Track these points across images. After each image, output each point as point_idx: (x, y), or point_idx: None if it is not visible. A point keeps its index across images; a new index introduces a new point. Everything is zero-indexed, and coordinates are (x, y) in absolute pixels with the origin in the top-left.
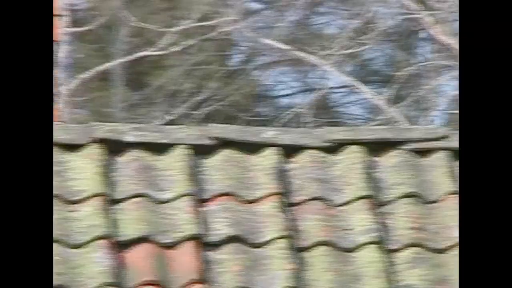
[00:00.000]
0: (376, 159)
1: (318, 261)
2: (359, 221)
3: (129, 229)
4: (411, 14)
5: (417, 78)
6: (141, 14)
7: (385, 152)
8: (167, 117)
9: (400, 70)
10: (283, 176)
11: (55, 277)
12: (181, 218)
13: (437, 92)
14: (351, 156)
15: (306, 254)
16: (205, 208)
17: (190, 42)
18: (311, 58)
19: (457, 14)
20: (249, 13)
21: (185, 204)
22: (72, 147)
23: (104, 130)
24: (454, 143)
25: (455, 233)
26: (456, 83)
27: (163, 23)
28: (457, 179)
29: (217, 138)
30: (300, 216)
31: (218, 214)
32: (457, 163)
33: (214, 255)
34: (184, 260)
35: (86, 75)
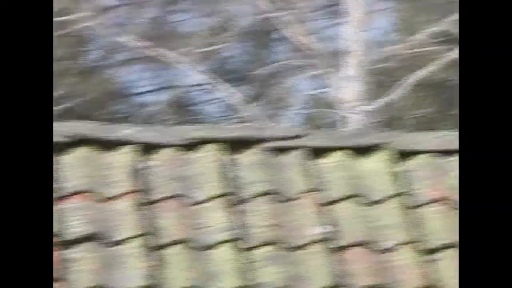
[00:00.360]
0: (234, 157)
1: (176, 259)
2: (216, 219)
3: None
4: (267, 13)
5: (273, 77)
6: None
7: (242, 150)
8: None
9: (257, 69)
10: (141, 174)
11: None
12: None
13: (294, 91)
14: (209, 154)
15: (163, 252)
16: (61, 206)
17: None
18: (169, 56)
19: (312, 14)
20: (106, 9)
21: None
22: None
23: None
24: (310, 141)
25: (311, 230)
26: (311, 82)
27: None
28: (313, 176)
29: (73, 136)
30: (158, 214)
31: (74, 212)
32: (314, 161)
33: (70, 253)
34: None
35: None
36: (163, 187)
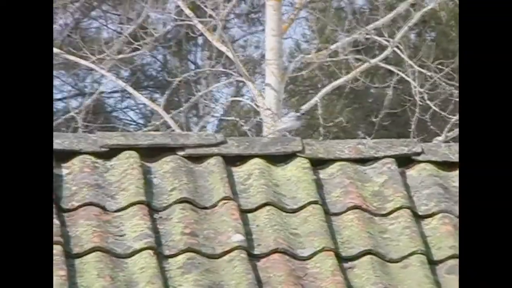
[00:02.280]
0: (151, 164)
1: (91, 267)
2: (133, 227)
3: None
4: (186, 20)
5: (192, 84)
6: None
7: (160, 158)
8: None
9: (175, 76)
10: (55, 182)
11: None
12: None
13: (212, 98)
14: (126, 162)
15: (78, 261)
16: None
17: None
18: (85, 62)
19: (231, 22)
20: None
21: None
22: None
23: None
24: (228, 149)
25: (229, 238)
26: (230, 90)
27: None
28: (231, 184)
29: None
30: (73, 222)
31: None
32: (232, 169)
33: None
34: None
35: None
36: (79, 195)
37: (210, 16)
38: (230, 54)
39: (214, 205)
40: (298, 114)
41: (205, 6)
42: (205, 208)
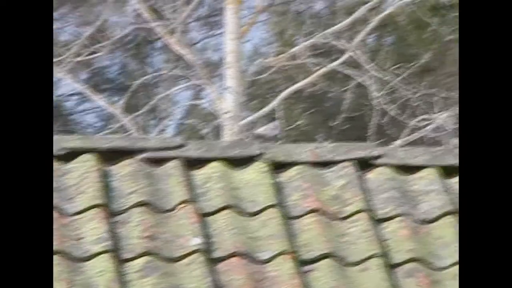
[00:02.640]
0: (110, 167)
1: None
2: (91, 230)
3: None
4: (145, 23)
5: (151, 87)
6: None
7: (119, 161)
8: None
9: (135, 79)
10: None
11: None
12: None
13: (172, 101)
14: (85, 165)
15: None
16: None
17: None
18: None
19: (191, 25)
20: None
21: None
22: None
23: None
24: (188, 152)
25: (188, 241)
26: (190, 93)
27: None
28: (191, 187)
29: None
30: None
31: None
32: (192, 172)
33: None
34: None
35: None
36: None
37: (169, 19)
38: (189, 57)
39: (173, 209)
40: (277, 123)
41: (164, 9)
42: (164, 211)
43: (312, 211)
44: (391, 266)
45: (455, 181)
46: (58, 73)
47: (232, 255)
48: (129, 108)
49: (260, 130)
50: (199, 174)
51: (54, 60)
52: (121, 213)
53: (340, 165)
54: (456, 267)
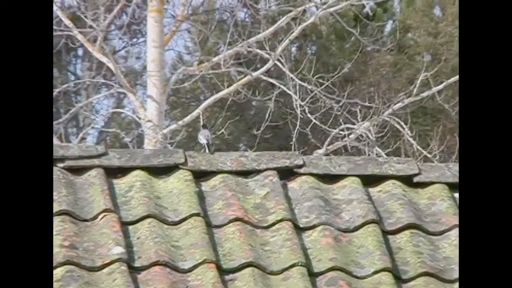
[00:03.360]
0: None
1: None
2: None
3: None
4: (65, 31)
5: (73, 95)
6: None
7: None
8: None
9: (54, 87)
10: None
11: None
12: None
13: (93, 110)
14: None
15: None
16: None
17: None
18: None
19: (113, 33)
20: None
21: None
22: None
23: None
24: (109, 161)
25: (110, 251)
26: (111, 101)
27: None
28: (112, 196)
29: None
30: None
31: None
32: (113, 180)
33: None
34: None
35: None
36: None
37: (91, 26)
38: (111, 65)
39: (94, 218)
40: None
41: (86, 16)
42: (85, 220)
43: (235, 220)
44: (313, 275)
45: (376, 190)
46: None
47: (154, 264)
48: None
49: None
50: (121, 183)
51: None
52: None
53: (264, 174)
54: (377, 276)
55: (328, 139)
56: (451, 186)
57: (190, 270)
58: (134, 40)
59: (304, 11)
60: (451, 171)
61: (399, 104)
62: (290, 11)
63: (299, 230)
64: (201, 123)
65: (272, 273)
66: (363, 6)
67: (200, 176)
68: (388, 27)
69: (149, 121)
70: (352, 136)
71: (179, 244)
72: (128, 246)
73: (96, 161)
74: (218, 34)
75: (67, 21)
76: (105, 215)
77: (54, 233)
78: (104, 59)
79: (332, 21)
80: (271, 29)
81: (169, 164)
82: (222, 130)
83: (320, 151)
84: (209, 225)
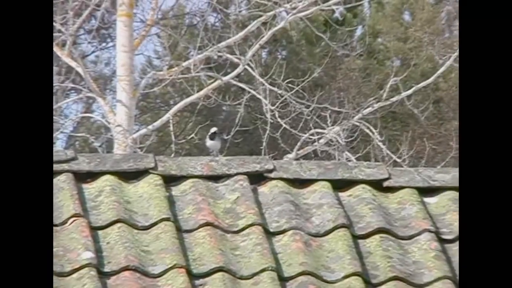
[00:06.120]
0: None
1: None
2: None
3: None
4: None
5: None
6: None
7: None
8: None
9: None
10: None
11: None
12: None
13: (62, 114)
14: None
15: None
16: None
17: None
18: None
19: (81, 37)
20: None
21: None
22: None
23: None
24: (78, 165)
25: (79, 256)
26: (80, 105)
27: None
28: (81, 201)
29: None
30: None
31: None
32: (82, 185)
33: None
34: None
35: None
36: None
37: (60, 31)
38: (80, 70)
39: (63, 222)
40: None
41: (54, 20)
42: (55, 225)
43: (206, 224)
44: (283, 280)
45: (347, 194)
46: None
47: (124, 269)
48: None
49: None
50: (91, 188)
51: None
52: None
53: (234, 178)
54: (347, 280)
55: (298, 144)
56: (421, 191)
57: (160, 275)
58: (104, 44)
59: (274, 16)
60: (421, 175)
61: (369, 109)
62: (260, 16)
63: (269, 234)
64: (212, 132)
65: (242, 277)
66: (333, 11)
67: (170, 180)
68: (358, 32)
69: (119, 125)
70: (322, 140)
71: (149, 249)
72: (98, 251)
73: (65, 166)
74: (188, 38)
75: None
76: (74, 220)
77: None
78: (73, 64)
79: (302, 26)
80: (241, 33)
81: (139, 168)
82: (192, 134)
83: (290, 156)
84: (179, 230)
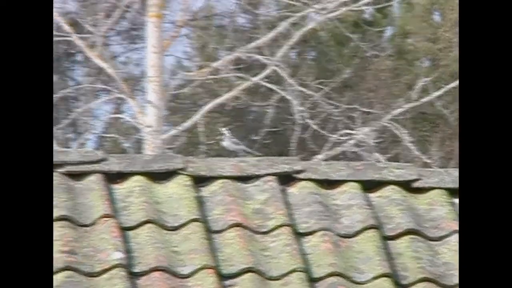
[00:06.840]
0: None
1: None
2: None
3: None
4: (64, 36)
5: (72, 100)
6: None
7: None
8: None
9: (55, 92)
10: None
11: None
12: None
13: (93, 115)
14: None
15: None
16: None
17: None
18: None
19: (112, 38)
20: None
21: None
22: None
23: None
24: (109, 166)
25: (109, 256)
26: (111, 106)
27: None
28: (112, 202)
29: None
30: None
31: None
32: (113, 186)
33: None
34: None
35: None
36: None
37: (90, 32)
38: (110, 71)
39: (93, 223)
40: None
41: (85, 22)
42: (85, 225)
43: (235, 225)
44: (313, 281)
45: (376, 195)
46: None
47: (154, 269)
48: None
49: (226, 145)
50: (121, 188)
51: None
52: None
53: (263, 179)
54: (377, 281)
55: (327, 145)
56: (450, 192)
57: (190, 275)
58: (134, 45)
59: (304, 16)
60: (450, 176)
61: (399, 110)
62: (290, 16)
63: (298, 235)
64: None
65: (271, 278)
66: (363, 12)
67: (199, 181)
68: (387, 33)
69: (149, 126)
70: (351, 141)
71: (178, 250)
72: (128, 252)
73: (96, 167)
74: (218, 39)
75: (66, 27)
76: (104, 221)
77: (54, 238)
78: (103, 65)
79: (331, 26)
80: (271, 34)
81: (168, 169)
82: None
83: (320, 157)
84: (208, 231)
